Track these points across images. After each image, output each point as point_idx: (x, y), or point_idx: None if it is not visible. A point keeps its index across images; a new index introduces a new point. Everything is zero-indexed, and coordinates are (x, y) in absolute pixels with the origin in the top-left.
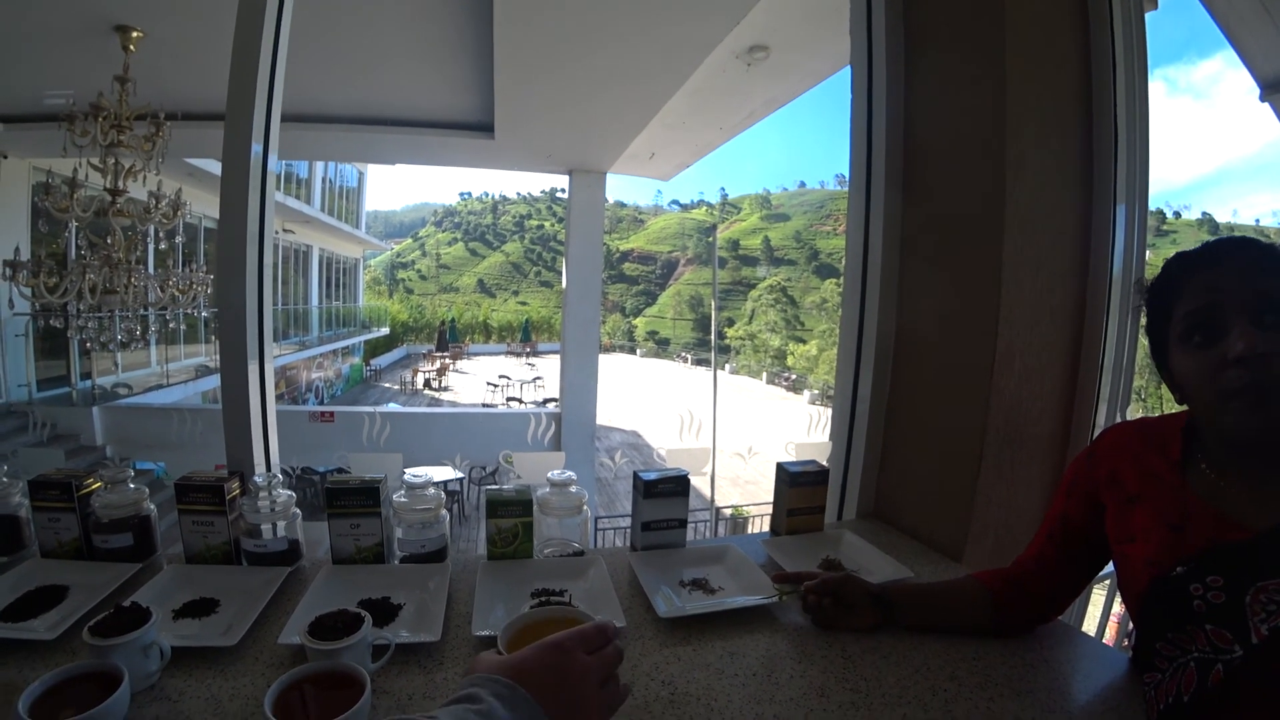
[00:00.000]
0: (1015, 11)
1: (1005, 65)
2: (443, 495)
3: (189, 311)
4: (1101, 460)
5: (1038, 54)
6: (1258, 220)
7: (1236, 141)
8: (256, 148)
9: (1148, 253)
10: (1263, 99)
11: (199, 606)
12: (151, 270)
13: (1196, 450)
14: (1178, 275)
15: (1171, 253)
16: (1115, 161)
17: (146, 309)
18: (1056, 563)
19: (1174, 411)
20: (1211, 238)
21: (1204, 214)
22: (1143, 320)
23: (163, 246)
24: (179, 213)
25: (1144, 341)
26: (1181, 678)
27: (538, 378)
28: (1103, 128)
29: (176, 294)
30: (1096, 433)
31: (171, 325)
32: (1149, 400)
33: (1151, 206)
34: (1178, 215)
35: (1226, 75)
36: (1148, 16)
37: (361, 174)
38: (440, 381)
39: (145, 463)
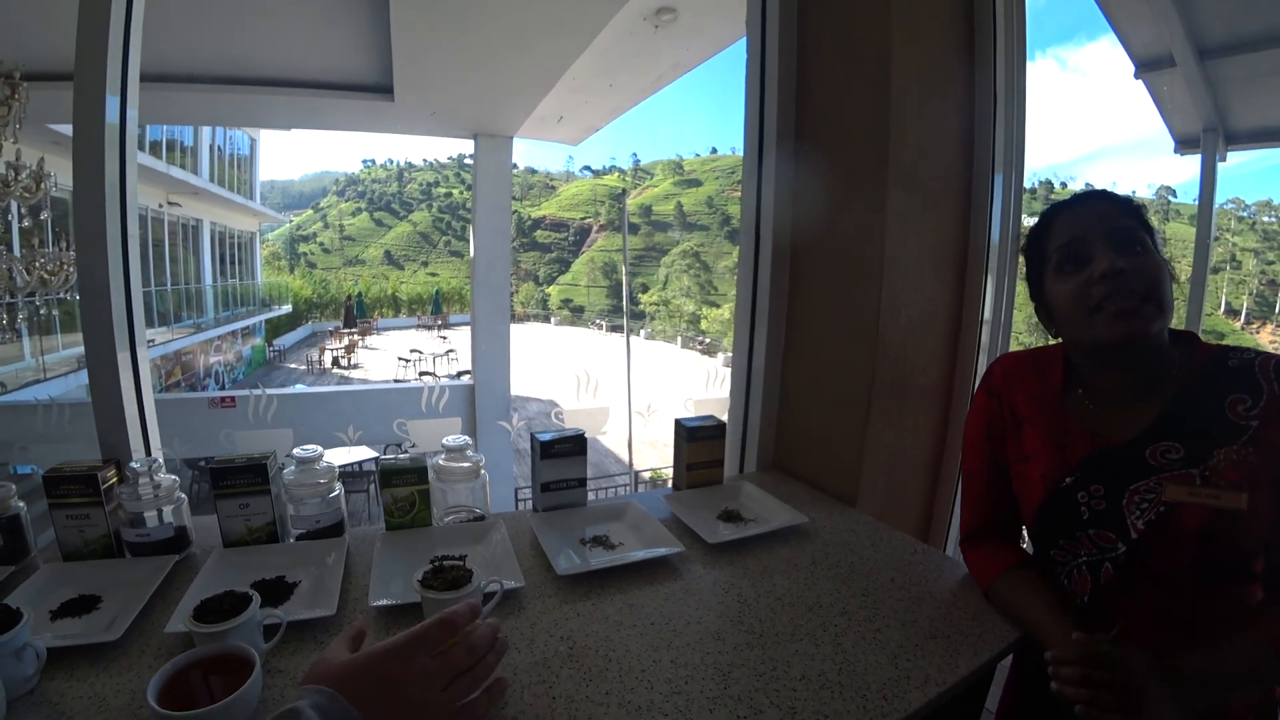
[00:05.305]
0: None
1: (890, 27)
2: (335, 467)
3: (63, 295)
4: (999, 392)
5: (921, 20)
6: (1133, 192)
7: (1117, 118)
8: (113, 103)
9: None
10: (1137, 76)
11: (79, 604)
12: (16, 251)
13: (1074, 377)
14: (1050, 218)
15: None
16: (994, 131)
17: (14, 296)
18: (1010, 505)
19: (1054, 343)
20: None
21: (1088, 184)
22: (1022, 270)
23: (27, 224)
24: (43, 185)
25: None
26: (1075, 582)
27: (450, 350)
28: (983, 98)
29: (46, 276)
30: (978, 382)
31: (44, 312)
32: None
33: (1041, 178)
34: (1064, 185)
35: (1111, 55)
36: None
37: (254, 141)
38: (349, 359)
39: (25, 466)
